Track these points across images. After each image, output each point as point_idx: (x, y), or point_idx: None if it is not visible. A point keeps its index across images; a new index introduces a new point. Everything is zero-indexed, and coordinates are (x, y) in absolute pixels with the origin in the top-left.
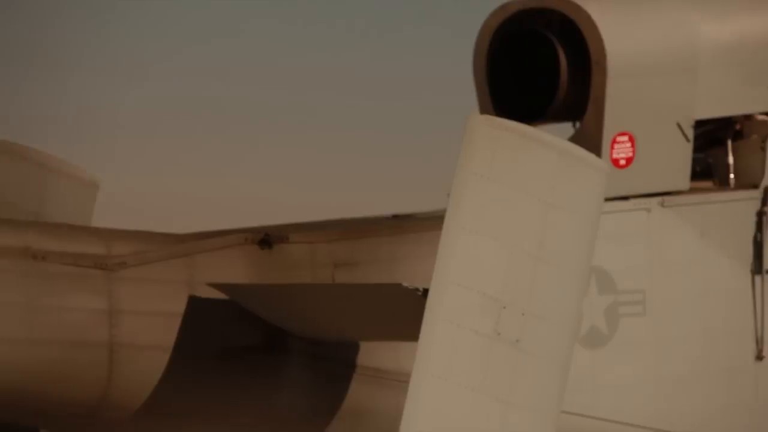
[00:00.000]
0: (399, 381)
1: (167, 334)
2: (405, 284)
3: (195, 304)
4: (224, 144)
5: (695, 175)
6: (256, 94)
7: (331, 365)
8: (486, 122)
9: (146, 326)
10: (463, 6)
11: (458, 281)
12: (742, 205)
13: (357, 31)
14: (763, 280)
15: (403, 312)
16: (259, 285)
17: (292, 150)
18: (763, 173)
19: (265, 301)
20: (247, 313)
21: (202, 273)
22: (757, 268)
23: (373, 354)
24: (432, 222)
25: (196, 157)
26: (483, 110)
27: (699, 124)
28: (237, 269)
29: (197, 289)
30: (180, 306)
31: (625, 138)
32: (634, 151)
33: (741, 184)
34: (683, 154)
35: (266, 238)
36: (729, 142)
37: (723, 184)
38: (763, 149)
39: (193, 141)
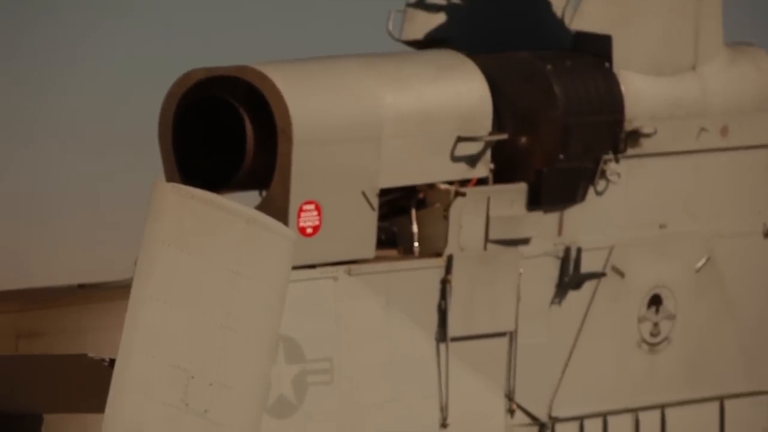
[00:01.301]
0: None
1: None
2: (91, 355)
3: None
4: None
5: (381, 244)
6: None
7: None
8: (173, 190)
9: None
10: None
11: (145, 351)
12: (426, 274)
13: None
14: (447, 348)
15: (89, 383)
16: None
17: None
18: (446, 242)
19: None
20: None
21: None
22: (441, 336)
23: (59, 427)
24: (119, 291)
25: None
26: (169, 178)
27: (384, 193)
28: None
29: None
30: None
31: (312, 206)
32: (320, 220)
33: (425, 253)
34: (368, 222)
35: None
36: (413, 211)
37: (408, 252)
38: (446, 218)
39: None
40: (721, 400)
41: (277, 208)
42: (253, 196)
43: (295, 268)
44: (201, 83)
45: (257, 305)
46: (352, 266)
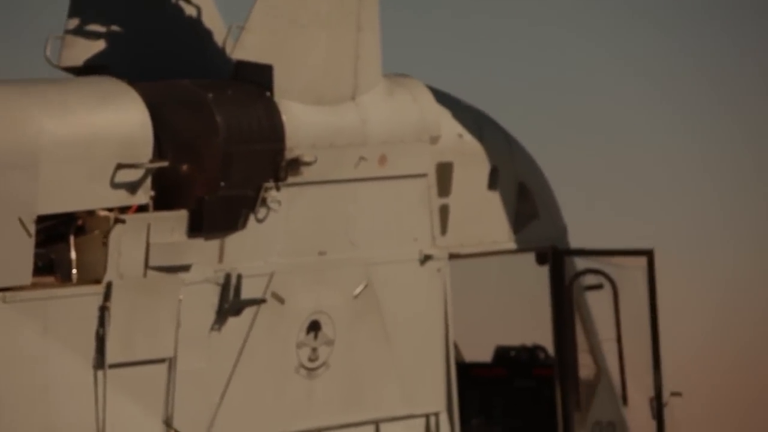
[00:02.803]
0: None
1: None
2: None
3: None
4: None
5: (38, 271)
6: None
7: None
8: None
9: None
10: None
11: None
12: (84, 301)
13: None
14: (105, 375)
15: None
16: None
17: None
18: (105, 269)
19: None
20: None
21: None
22: (99, 363)
23: None
24: None
25: None
26: None
27: (42, 219)
28: None
29: None
30: None
31: None
32: None
33: (84, 279)
34: (25, 249)
35: None
36: (71, 238)
37: (66, 279)
38: (105, 245)
39: None
40: (377, 423)
41: None
42: None
43: None
44: None
45: None
46: (7, 293)
